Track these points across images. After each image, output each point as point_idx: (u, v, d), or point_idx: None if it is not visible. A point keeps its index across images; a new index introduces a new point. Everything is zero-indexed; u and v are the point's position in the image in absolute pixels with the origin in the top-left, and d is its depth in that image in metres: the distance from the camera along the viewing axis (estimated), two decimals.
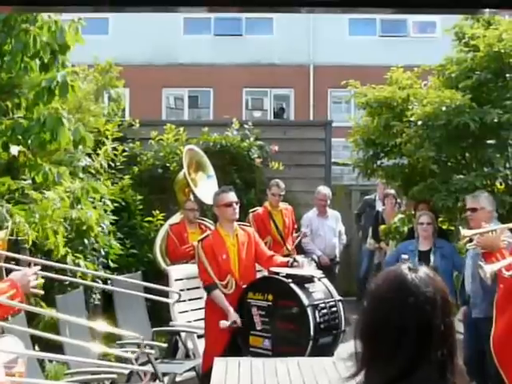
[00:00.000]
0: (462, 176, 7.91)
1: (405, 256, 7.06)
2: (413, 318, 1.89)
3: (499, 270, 4.95)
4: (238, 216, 6.41)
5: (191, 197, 8.89)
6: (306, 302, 5.97)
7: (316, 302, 6.07)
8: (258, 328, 6.10)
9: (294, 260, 6.41)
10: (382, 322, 1.93)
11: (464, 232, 5.71)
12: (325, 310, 6.09)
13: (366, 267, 11.45)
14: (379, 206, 11.10)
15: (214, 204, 6.47)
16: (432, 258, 7.12)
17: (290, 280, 6.10)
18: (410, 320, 1.89)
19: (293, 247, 8.84)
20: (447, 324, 1.92)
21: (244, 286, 6.22)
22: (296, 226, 9.54)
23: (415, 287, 1.92)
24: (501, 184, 7.92)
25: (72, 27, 5.83)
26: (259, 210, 9.16)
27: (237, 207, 6.36)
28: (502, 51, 7.84)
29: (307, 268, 6.43)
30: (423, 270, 1.99)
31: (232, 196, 6.40)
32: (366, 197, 11.72)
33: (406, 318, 1.89)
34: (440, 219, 8.63)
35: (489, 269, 4.87)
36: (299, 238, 9.03)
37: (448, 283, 6.49)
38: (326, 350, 6.07)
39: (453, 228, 9.00)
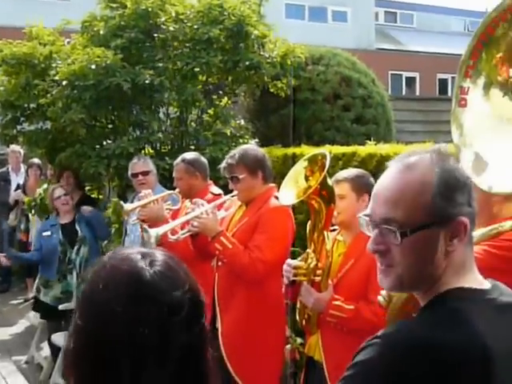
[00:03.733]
0: (110, 141, 7.49)
1: (47, 233, 6.73)
2: (152, 335, 1.34)
3: (165, 235, 4.45)
4: None
5: None
6: None
7: None
8: None
9: None
10: (112, 340, 1.34)
11: (127, 206, 5.20)
12: None
13: (7, 246, 10.42)
14: (15, 179, 10.14)
15: None
16: (78, 228, 6.73)
17: None
18: (148, 337, 1.33)
19: None
20: (196, 335, 1.41)
21: None
22: None
23: (156, 291, 1.36)
24: (152, 148, 7.63)
25: None
26: None
27: None
28: (150, 10, 7.55)
29: None
30: (161, 259, 1.43)
31: None
32: None
33: (143, 336, 1.33)
34: (88, 188, 8.11)
35: (154, 233, 4.35)
36: None
37: (95, 252, 5.93)
38: None
39: (101, 196, 8.54)
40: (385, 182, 1.70)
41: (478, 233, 2.58)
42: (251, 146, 4.70)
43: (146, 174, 5.88)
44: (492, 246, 2.64)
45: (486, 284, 1.69)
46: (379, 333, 1.59)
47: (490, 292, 1.66)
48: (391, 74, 26.72)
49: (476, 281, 1.68)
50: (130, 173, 5.99)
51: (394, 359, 1.51)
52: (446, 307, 1.61)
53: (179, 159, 5.20)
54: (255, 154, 4.42)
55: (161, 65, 7.34)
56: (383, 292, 2.38)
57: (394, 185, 1.67)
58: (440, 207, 1.63)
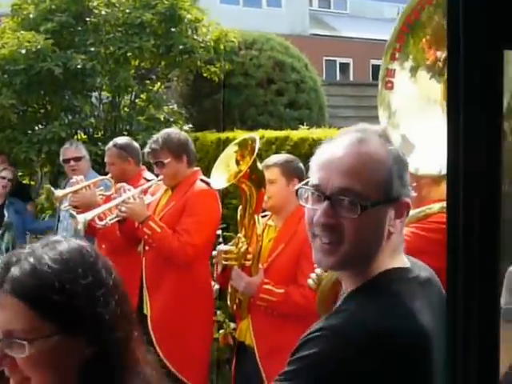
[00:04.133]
0: (42, 126, 7.39)
1: None
2: None
3: (93, 220, 4.39)
4: None
5: None
6: None
7: None
8: None
9: None
10: None
11: (57, 193, 5.05)
12: None
13: None
14: None
15: None
16: (6, 213, 6.51)
17: None
18: None
19: None
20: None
21: None
22: None
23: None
24: (85, 133, 7.54)
25: None
26: None
27: None
28: None
29: None
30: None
31: None
32: None
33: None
34: (19, 174, 7.95)
35: (82, 218, 4.27)
36: None
37: (22, 241, 5.74)
38: None
39: (33, 183, 8.38)
40: (338, 152, 1.59)
41: None
42: (174, 130, 4.67)
43: (78, 159, 5.74)
44: (420, 228, 2.66)
45: (406, 262, 1.70)
46: (321, 325, 1.54)
47: (412, 270, 1.67)
48: (325, 60, 26.87)
49: (402, 261, 1.68)
50: (61, 158, 5.86)
51: (346, 349, 1.47)
52: (382, 290, 1.59)
53: (111, 144, 5.12)
54: (178, 137, 4.40)
55: (93, 49, 7.25)
56: (313, 275, 2.38)
57: (351, 156, 1.58)
58: (394, 185, 1.60)
